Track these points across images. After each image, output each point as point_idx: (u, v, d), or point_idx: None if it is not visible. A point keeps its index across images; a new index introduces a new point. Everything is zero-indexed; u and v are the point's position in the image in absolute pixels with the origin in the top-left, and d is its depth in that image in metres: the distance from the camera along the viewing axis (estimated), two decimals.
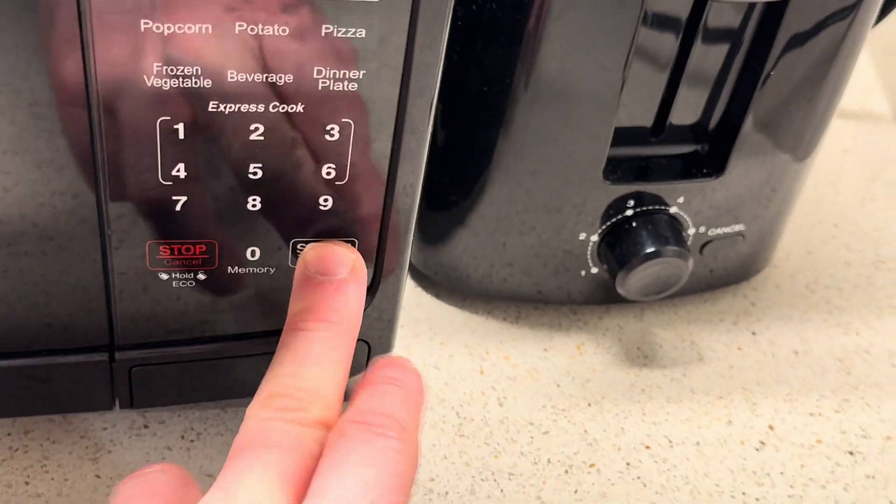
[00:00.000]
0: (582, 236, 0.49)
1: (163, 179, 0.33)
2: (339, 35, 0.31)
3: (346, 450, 0.31)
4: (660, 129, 0.48)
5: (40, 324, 0.37)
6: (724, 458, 0.47)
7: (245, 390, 0.42)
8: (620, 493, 0.45)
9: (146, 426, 0.45)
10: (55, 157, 0.32)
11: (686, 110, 0.48)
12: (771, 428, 0.49)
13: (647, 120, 0.48)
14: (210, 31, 0.30)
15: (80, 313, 0.37)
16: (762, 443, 0.48)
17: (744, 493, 0.46)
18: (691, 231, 0.50)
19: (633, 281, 0.48)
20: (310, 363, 0.34)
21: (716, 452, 0.48)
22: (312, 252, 0.36)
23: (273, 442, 0.32)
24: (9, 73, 0.29)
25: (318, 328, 0.35)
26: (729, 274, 0.54)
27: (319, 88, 0.32)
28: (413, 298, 0.53)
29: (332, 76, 0.32)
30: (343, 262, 0.36)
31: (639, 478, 0.46)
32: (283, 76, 0.32)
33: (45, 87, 0.30)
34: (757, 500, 0.46)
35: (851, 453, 0.48)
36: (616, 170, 0.47)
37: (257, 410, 0.33)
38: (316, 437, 0.32)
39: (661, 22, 0.44)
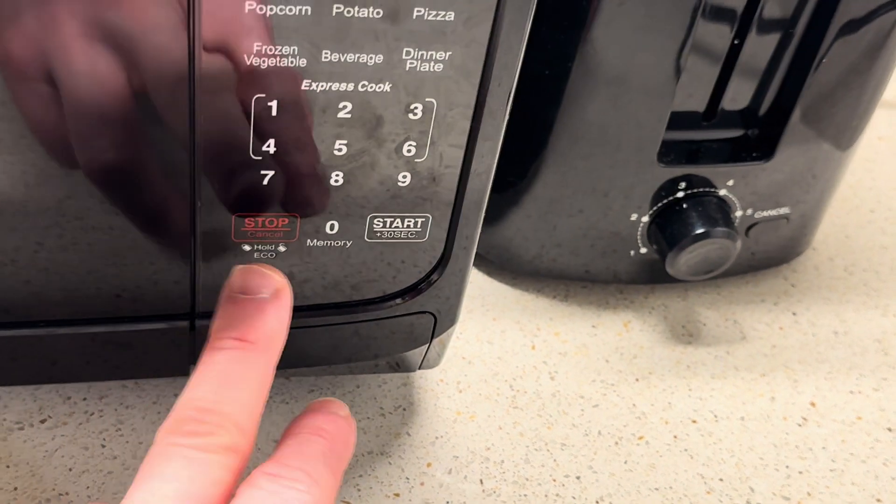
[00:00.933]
0: (632, 217, 0.51)
1: (253, 154, 0.35)
2: (429, 17, 0.33)
3: (253, 501, 0.31)
4: (712, 113, 0.50)
5: (126, 291, 0.38)
6: (768, 433, 0.49)
7: (312, 360, 0.44)
8: (668, 464, 0.47)
9: None
10: (155, 131, 0.33)
11: (738, 96, 0.49)
12: (812, 405, 0.51)
13: (700, 105, 0.49)
14: (308, 12, 0.31)
15: (166, 282, 0.38)
16: (804, 419, 0.50)
17: (787, 467, 0.48)
18: (739, 213, 0.52)
19: (683, 261, 0.50)
20: (222, 385, 0.32)
21: (760, 427, 0.49)
22: (238, 272, 0.35)
23: (173, 470, 0.30)
24: (102, 50, 0.31)
25: (233, 346, 0.33)
26: (771, 256, 0.56)
27: (406, 69, 0.34)
28: None
29: (419, 57, 0.34)
30: (266, 284, 0.35)
31: (686, 450, 0.48)
32: (373, 56, 0.33)
33: (149, 62, 0.32)
34: (800, 472, 0.47)
35: (890, 430, 0.50)
36: (668, 153, 0.49)
37: (164, 435, 0.31)
38: (222, 463, 0.31)
39: (718, 11, 0.45)
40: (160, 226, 0.36)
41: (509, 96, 0.36)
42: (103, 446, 0.44)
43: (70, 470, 0.42)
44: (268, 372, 0.34)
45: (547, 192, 0.50)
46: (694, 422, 0.49)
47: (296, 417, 0.35)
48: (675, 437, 0.48)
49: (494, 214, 0.52)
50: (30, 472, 0.42)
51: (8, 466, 0.42)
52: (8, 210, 0.35)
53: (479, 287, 0.55)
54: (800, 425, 0.50)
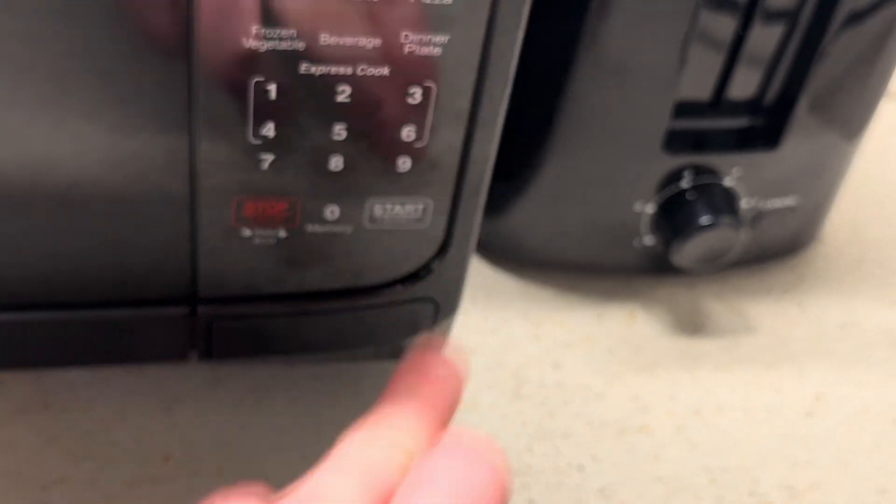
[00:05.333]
0: (637, 207, 0.51)
1: (252, 138, 0.35)
2: (427, 1, 0.33)
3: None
4: (717, 102, 0.49)
5: (122, 278, 0.39)
6: (774, 425, 0.49)
7: (315, 347, 0.44)
8: (672, 455, 0.47)
9: (217, 380, 0.46)
10: (154, 114, 0.33)
11: (743, 85, 0.49)
12: (819, 397, 0.50)
13: (705, 93, 0.49)
14: None
15: (166, 267, 0.38)
16: (810, 411, 0.50)
17: (792, 458, 0.47)
18: (745, 203, 0.51)
19: (688, 251, 0.49)
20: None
21: (765, 419, 0.49)
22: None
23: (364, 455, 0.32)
24: (103, 28, 0.31)
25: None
26: (778, 247, 0.56)
27: (405, 52, 0.34)
28: (471, 266, 0.55)
29: (417, 41, 0.34)
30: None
31: (689, 441, 0.48)
32: (371, 40, 0.33)
33: (147, 44, 0.32)
34: (805, 464, 0.47)
35: None
36: (673, 141, 0.49)
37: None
38: (401, 462, 0.32)
39: None
40: (162, 210, 0.36)
41: (508, 81, 0.36)
42: (105, 432, 0.44)
43: (72, 455, 0.42)
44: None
45: (551, 182, 0.50)
46: (698, 413, 0.49)
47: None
48: (679, 427, 0.48)
49: (499, 204, 0.52)
50: (32, 456, 0.42)
51: (11, 451, 0.42)
52: (14, 194, 0.35)
53: (483, 277, 0.55)
54: (806, 417, 0.49)
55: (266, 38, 0.32)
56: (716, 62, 0.48)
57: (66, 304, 0.39)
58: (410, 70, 0.34)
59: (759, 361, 0.52)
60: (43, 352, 0.41)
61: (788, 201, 0.53)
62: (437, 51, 0.34)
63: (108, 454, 0.43)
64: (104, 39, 0.31)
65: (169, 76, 0.33)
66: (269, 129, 0.35)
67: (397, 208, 0.39)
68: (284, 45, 0.33)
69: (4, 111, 0.32)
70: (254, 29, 0.32)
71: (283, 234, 0.38)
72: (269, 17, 0.32)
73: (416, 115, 0.36)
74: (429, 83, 0.35)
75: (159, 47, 0.32)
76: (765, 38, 0.48)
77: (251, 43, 0.32)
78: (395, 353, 0.48)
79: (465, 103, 0.36)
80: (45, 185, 0.34)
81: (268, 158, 0.36)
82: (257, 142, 0.35)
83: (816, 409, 0.50)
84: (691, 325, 0.54)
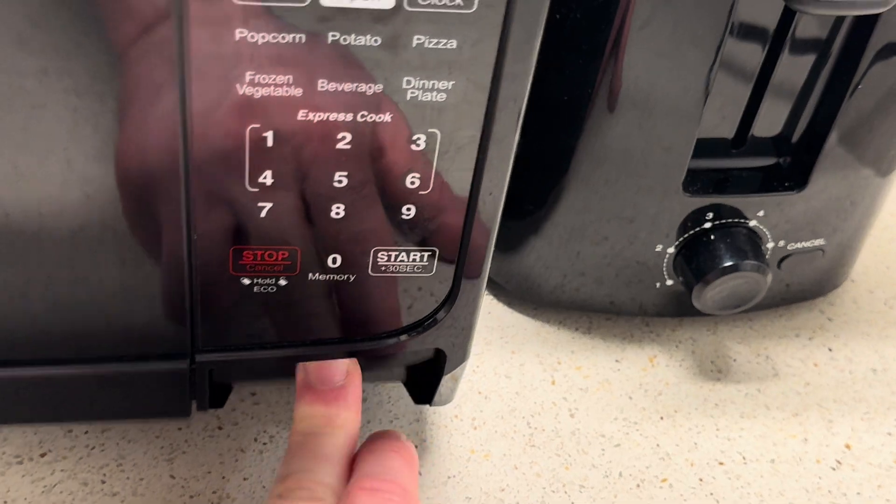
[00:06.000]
0: (658, 248, 0.49)
1: (249, 186, 0.33)
2: (430, 46, 0.31)
3: None
4: (741, 140, 0.47)
5: (125, 330, 0.37)
6: (800, 477, 0.47)
7: None
8: None
9: (220, 427, 0.45)
10: (143, 163, 0.32)
11: (769, 122, 0.47)
12: (847, 447, 0.48)
13: (729, 131, 0.47)
14: (303, 41, 0.30)
15: (165, 319, 0.37)
16: (838, 462, 0.48)
17: None
18: (770, 245, 0.49)
19: (710, 295, 0.48)
20: (323, 461, 0.37)
21: (791, 470, 0.47)
22: (312, 365, 0.40)
23: None
24: (95, 78, 0.30)
25: (325, 432, 0.38)
26: (806, 289, 0.53)
27: (408, 98, 0.32)
28: (485, 307, 0.53)
29: (420, 86, 0.32)
30: (339, 371, 0.40)
31: (711, 494, 0.45)
32: (372, 86, 0.32)
33: (137, 93, 0.30)
34: None
35: None
36: (695, 181, 0.47)
37: (276, 501, 0.36)
38: None
39: (748, 32, 0.43)
40: (155, 260, 0.35)
41: (517, 125, 0.34)
42: (103, 482, 0.42)
43: None
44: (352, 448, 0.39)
45: (569, 219, 0.48)
46: (721, 464, 0.47)
47: (364, 443, 0.39)
48: (701, 479, 0.46)
49: (514, 242, 0.50)
50: None
51: (6, 502, 0.41)
52: (21, 240, 0.33)
53: (497, 318, 0.53)
54: (834, 469, 0.47)
55: (260, 85, 0.31)
56: (740, 99, 0.46)
57: (69, 359, 0.38)
58: (413, 116, 0.33)
59: (786, 409, 0.50)
60: (44, 407, 0.39)
61: (816, 242, 0.50)
62: (441, 97, 0.32)
63: None
64: (109, 78, 0.30)
65: (161, 122, 0.31)
66: (266, 177, 0.33)
67: (402, 256, 0.37)
68: (280, 92, 0.31)
69: (14, 152, 0.31)
70: (247, 75, 0.30)
71: (283, 281, 0.37)
72: (262, 64, 0.30)
73: (421, 161, 0.34)
74: (433, 130, 0.33)
75: (151, 96, 0.31)
76: (793, 70, 0.46)
77: (245, 89, 0.31)
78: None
79: (472, 149, 0.34)
80: (53, 230, 0.33)
81: (266, 206, 0.34)
82: (254, 189, 0.34)
83: (845, 459, 0.48)
84: (714, 369, 0.52)
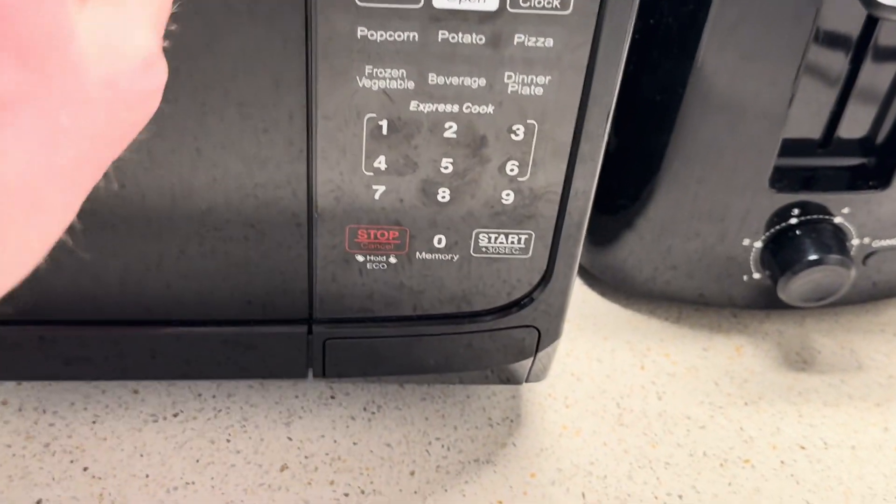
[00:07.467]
0: (745, 242, 0.51)
1: (365, 170, 0.37)
2: (529, 44, 0.35)
3: None
4: (828, 141, 0.50)
5: (248, 297, 0.42)
6: (879, 463, 0.48)
7: (425, 368, 0.46)
8: (774, 488, 0.47)
9: (332, 397, 0.49)
10: (273, 152, 0.36)
11: (855, 124, 0.49)
12: None
13: (816, 132, 0.49)
14: (416, 38, 0.34)
15: (285, 289, 0.41)
16: None
17: None
18: (855, 241, 0.51)
19: (795, 287, 0.50)
20: None
21: (871, 457, 0.49)
22: None
23: None
24: (226, 77, 0.34)
25: None
26: (892, 286, 0.55)
27: (508, 92, 0.36)
28: (579, 295, 0.56)
29: (520, 81, 0.36)
30: None
31: (792, 475, 0.48)
32: (476, 80, 0.35)
33: (270, 90, 0.35)
34: None
35: None
36: (782, 179, 0.49)
37: None
38: None
39: (832, 39, 0.46)
40: (281, 237, 0.39)
41: (608, 119, 0.37)
42: (228, 441, 0.47)
43: (197, 461, 0.46)
44: None
45: (661, 215, 0.51)
46: (803, 448, 0.49)
47: None
48: (783, 462, 0.48)
49: (608, 236, 0.54)
50: (160, 461, 0.45)
51: (141, 455, 0.46)
52: (156, 219, 0.38)
53: (591, 306, 0.56)
54: None
55: (377, 78, 0.35)
56: (826, 101, 0.48)
57: (199, 321, 0.43)
58: (513, 108, 0.36)
59: (868, 399, 0.52)
60: (177, 364, 0.44)
61: None
62: (538, 91, 0.36)
63: (231, 462, 0.46)
64: (239, 75, 0.34)
65: (291, 111, 0.36)
66: (380, 162, 0.37)
67: (501, 238, 0.41)
68: (395, 85, 0.35)
69: (152, 141, 0.35)
70: (366, 69, 0.34)
71: (393, 259, 0.41)
72: (380, 59, 0.34)
73: (519, 150, 0.38)
74: (531, 121, 0.37)
75: (280, 86, 0.35)
76: (877, 75, 0.48)
77: (364, 82, 0.35)
78: (501, 377, 0.49)
79: (566, 140, 0.38)
80: (185, 209, 0.38)
81: (379, 189, 0.38)
82: (369, 173, 0.38)
83: None
84: (799, 360, 0.54)
